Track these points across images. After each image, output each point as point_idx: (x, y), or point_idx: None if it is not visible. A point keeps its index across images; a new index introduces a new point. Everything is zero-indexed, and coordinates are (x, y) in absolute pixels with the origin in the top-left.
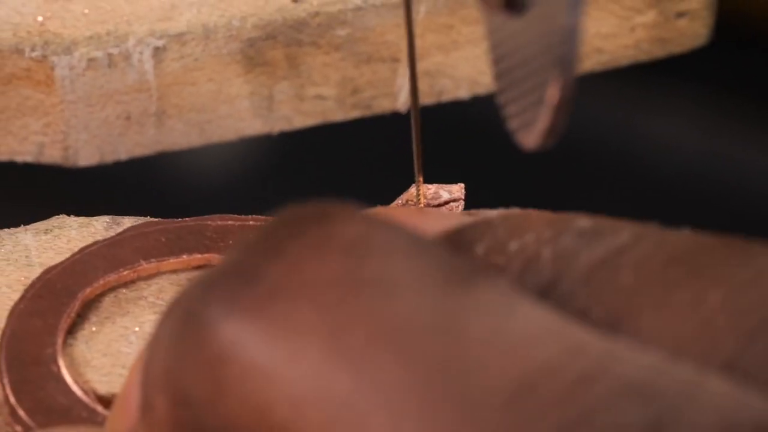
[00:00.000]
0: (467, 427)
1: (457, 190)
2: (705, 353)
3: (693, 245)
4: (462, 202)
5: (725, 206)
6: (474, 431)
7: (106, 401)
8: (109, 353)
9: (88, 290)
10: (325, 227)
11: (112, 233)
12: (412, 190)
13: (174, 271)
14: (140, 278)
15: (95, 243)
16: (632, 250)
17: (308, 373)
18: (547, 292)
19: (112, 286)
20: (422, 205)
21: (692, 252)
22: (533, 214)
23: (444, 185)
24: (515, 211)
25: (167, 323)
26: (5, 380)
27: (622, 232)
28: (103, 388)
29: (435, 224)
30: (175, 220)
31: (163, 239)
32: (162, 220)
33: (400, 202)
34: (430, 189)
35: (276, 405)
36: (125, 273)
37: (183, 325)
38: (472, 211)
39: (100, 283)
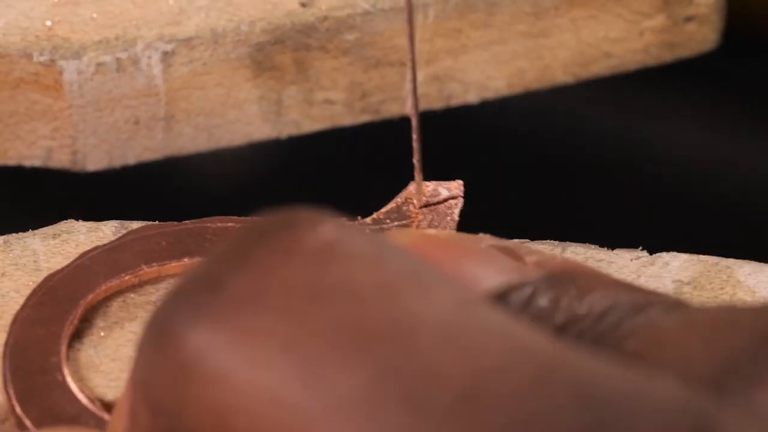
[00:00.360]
0: (414, 428)
1: (456, 187)
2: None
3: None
4: (461, 200)
5: (734, 210)
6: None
7: (113, 408)
8: (117, 358)
9: (90, 296)
10: (292, 234)
11: None
12: (411, 187)
13: (176, 275)
14: (142, 283)
15: (96, 248)
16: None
17: (264, 382)
18: None
19: (114, 292)
20: (422, 204)
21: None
22: (578, 277)
23: (443, 182)
24: (556, 267)
25: (144, 334)
26: (11, 390)
27: (653, 309)
28: (111, 394)
29: (479, 276)
30: (175, 223)
31: (164, 243)
32: (162, 223)
33: (399, 200)
34: (429, 186)
35: (234, 414)
36: (127, 278)
37: (154, 336)
38: (509, 247)
39: (102, 289)
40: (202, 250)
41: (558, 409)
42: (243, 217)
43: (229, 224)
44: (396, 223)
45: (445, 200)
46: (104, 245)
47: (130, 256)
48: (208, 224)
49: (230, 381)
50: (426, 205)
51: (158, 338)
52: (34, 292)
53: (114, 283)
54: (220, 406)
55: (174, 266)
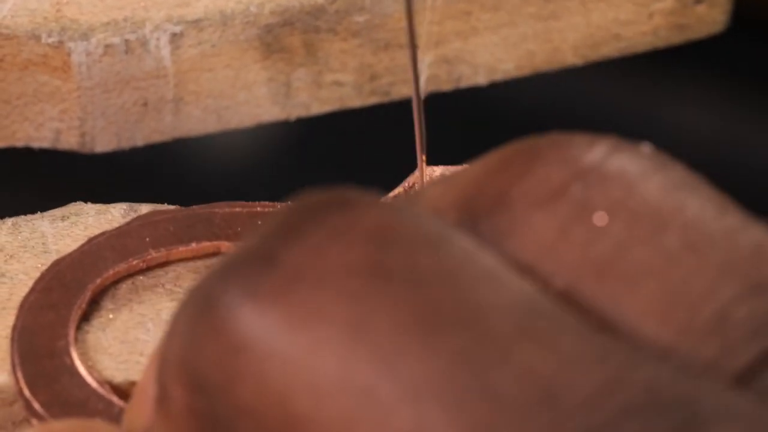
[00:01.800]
0: (494, 421)
1: None
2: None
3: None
4: None
5: (742, 192)
6: (500, 426)
7: (122, 390)
8: (126, 340)
9: (98, 281)
10: (347, 213)
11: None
12: (418, 172)
13: (184, 260)
14: (150, 267)
15: (103, 233)
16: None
17: (331, 363)
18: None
19: (122, 276)
20: None
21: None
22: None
23: (449, 167)
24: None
25: (184, 310)
26: (19, 374)
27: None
28: (120, 376)
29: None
30: (183, 208)
31: (172, 228)
32: (170, 208)
33: (406, 184)
34: (436, 171)
35: (295, 394)
36: (135, 262)
37: (200, 311)
38: None
39: (109, 274)
40: (210, 235)
41: (639, 414)
42: (250, 203)
43: (237, 209)
44: None
45: None
46: (111, 230)
47: (138, 240)
48: (216, 209)
49: (294, 362)
50: None
51: (205, 315)
52: (42, 276)
53: (122, 267)
54: (280, 388)
55: (182, 251)
